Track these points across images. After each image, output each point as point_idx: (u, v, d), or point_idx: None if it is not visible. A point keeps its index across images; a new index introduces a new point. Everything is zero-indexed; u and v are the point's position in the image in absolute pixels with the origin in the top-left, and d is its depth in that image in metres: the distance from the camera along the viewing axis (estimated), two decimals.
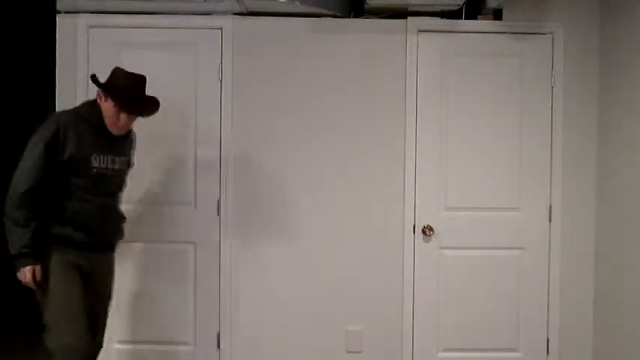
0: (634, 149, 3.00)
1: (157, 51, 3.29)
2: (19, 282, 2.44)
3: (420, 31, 3.33)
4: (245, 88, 3.32)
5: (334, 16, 3.31)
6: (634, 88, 3.01)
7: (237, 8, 3.24)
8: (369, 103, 3.34)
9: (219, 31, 3.29)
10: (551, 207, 3.37)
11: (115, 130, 2.55)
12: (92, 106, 2.57)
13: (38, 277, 2.41)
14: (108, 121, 2.53)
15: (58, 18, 3.27)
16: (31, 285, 2.43)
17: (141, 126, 2.81)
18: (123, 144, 2.67)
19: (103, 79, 3.25)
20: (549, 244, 3.37)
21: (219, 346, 3.31)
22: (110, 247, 2.71)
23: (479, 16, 3.34)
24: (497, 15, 3.35)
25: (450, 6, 3.20)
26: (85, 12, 3.26)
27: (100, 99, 2.53)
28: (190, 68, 3.29)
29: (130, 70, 3.24)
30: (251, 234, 3.32)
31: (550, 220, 3.37)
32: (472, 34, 3.35)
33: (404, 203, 3.34)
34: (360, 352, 3.36)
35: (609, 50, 3.27)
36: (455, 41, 3.35)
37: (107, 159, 2.55)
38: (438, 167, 3.35)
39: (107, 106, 2.52)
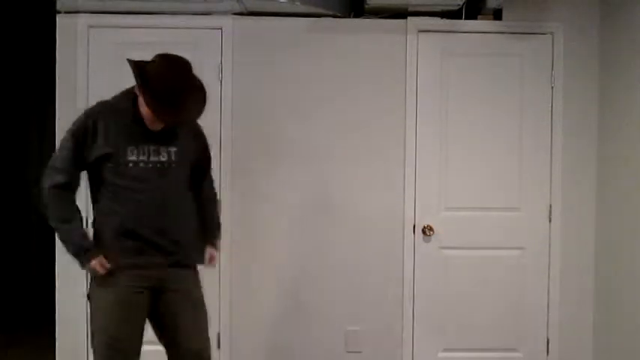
0: (634, 149, 3.00)
1: (157, 51, 3.27)
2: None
3: (420, 31, 3.33)
4: (245, 88, 3.32)
5: (334, 16, 3.31)
6: (634, 88, 3.01)
7: (237, 8, 3.24)
8: (369, 102, 3.34)
9: (219, 31, 3.29)
10: (551, 207, 3.37)
11: (153, 127, 2.23)
12: (128, 97, 2.25)
13: (107, 265, 2.19)
14: (145, 117, 2.21)
15: (58, 18, 3.27)
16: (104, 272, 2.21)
17: None
18: (172, 133, 2.28)
19: (103, 80, 3.27)
20: (549, 244, 3.37)
21: (219, 347, 3.31)
22: (180, 264, 2.31)
23: (479, 16, 3.34)
24: (497, 15, 3.35)
25: (450, 6, 3.20)
26: (85, 12, 3.26)
27: (139, 92, 2.18)
28: None
29: (129, 70, 3.27)
30: (251, 234, 3.32)
31: (550, 220, 3.37)
32: (472, 34, 3.35)
33: (404, 203, 3.34)
34: (359, 352, 3.36)
35: (609, 50, 3.27)
36: (455, 41, 3.35)
37: (148, 150, 2.22)
38: (438, 167, 3.35)
39: (142, 102, 2.19)
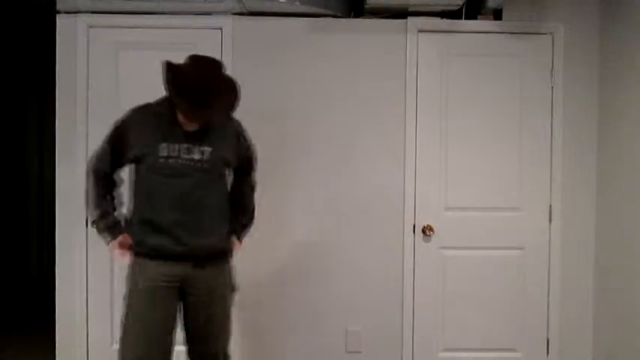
0: (634, 149, 3.00)
1: (156, 51, 3.27)
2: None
3: (420, 31, 3.33)
4: (245, 88, 3.29)
5: (334, 16, 3.31)
6: (634, 88, 3.01)
7: (237, 8, 3.24)
8: (369, 103, 3.34)
9: (219, 31, 3.29)
10: (551, 207, 3.37)
11: (186, 126, 2.33)
12: (166, 98, 2.33)
13: (125, 246, 2.38)
14: (179, 118, 2.31)
15: (58, 18, 3.27)
16: (124, 258, 2.39)
17: None
18: (208, 133, 2.36)
19: (103, 80, 3.28)
20: (549, 244, 3.37)
21: None
22: (206, 258, 2.37)
23: (479, 16, 3.34)
24: (497, 15, 3.35)
25: (450, 6, 3.20)
26: (85, 12, 3.26)
27: (167, 90, 2.29)
28: None
29: (130, 70, 3.29)
30: (251, 235, 3.31)
31: (550, 220, 3.37)
32: (472, 34, 3.35)
33: (404, 203, 3.34)
34: (359, 352, 3.36)
35: (609, 50, 3.27)
36: (455, 41, 3.35)
37: (179, 148, 2.31)
38: (438, 167, 3.35)
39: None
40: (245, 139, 2.57)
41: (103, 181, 2.43)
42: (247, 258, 3.31)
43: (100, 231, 2.43)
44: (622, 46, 3.14)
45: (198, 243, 2.34)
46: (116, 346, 3.27)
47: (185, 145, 2.32)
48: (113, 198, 2.46)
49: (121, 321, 2.37)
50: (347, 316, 3.36)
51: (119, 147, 2.37)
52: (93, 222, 2.45)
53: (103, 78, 3.28)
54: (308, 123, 3.34)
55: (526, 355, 3.39)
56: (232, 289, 2.55)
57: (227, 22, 3.29)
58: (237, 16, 3.30)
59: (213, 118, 2.32)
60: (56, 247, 3.31)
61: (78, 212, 3.27)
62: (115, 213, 2.45)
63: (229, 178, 2.56)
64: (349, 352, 3.36)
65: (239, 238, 2.61)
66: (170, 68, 2.25)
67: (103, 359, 3.31)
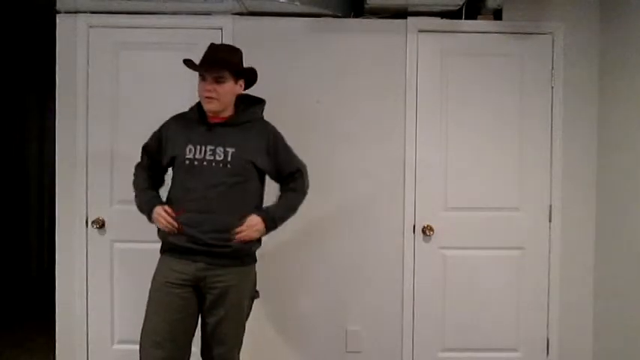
0: (634, 149, 3.00)
1: (157, 51, 3.29)
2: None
3: (420, 31, 3.33)
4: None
5: (334, 16, 3.31)
6: (634, 88, 3.02)
7: (237, 8, 3.24)
8: (369, 102, 3.34)
9: (219, 31, 3.29)
10: (551, 207, 3.37)
11: (206, 106, 2.44)
12: (198, 103, 2.53)
13: (171, 212, 2.40)
14: (201, 101, 2.48)
15: (58, 18, 3.27)
16: (171, 224, 2.39)
17: None
18: (234, 134, 2.43)
19: (103, 80, 3.28)
20: (549, 244, 3.37)
21: None
22: (221, 256, 2.39)
23: (479, 16, 3.34)
24: (497, 15, 3.35)
25: (450, 6, 3.20)
26: (85, 12, 3.26)
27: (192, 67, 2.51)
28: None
29: (129, 70, 3.29)
30: None
31: (550, 220, 3.37)
32: (472, 34, 3.35)
33: (404, 203, 3.34)
34: (359, 352, 3.36)
35: (609, 50, 3.27)
36: (455, 41, 3.35)
37: (204, 149, 2.40)
38: (438, 167, 3.35)
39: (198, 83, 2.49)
40: (281, 146, 2.57)
41: (144, 172, 2.59)
42: None
43: (141, 207, 2.53)
44: (622, 46, 3.14)
45: (213, 241, 2.36)
46: (116, 346, 3.31)
47: (210, 147, 2.40)
48: (153, 182, 2.60)
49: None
50: (347, 316, 3.36)
51: (154, 152, 2.55)
52: (138, 205, 2.55)
53: (103, 78, 3.28)
54: (308, 123, 3.34)
55: (526, 355, 3.39)
56: (251, 295, 2.54)
57: (227, 22, 3.29)
58: (237, 16, 3.30)
59: (217, 58, 2.49)
60: (56, 247, 3.31)
61: (78, 212, 3.28)
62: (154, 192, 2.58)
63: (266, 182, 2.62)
64: (349, 352, 3.36)
65: (266, 221, 2.47)
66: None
67: (103, 359, 3.31)
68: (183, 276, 2.38)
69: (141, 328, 2.42)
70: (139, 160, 2.64)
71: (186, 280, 2.38)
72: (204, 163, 2.39)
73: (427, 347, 3.37)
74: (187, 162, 2.41)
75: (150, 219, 2.47)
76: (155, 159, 2.57)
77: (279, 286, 3.33)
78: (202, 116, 2.48)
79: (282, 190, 2.62)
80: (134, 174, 2.63)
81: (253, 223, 2.43)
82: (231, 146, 2.41)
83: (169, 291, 2.38)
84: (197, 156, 2.40)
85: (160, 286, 2.40)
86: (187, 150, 2.41)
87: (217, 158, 2.39)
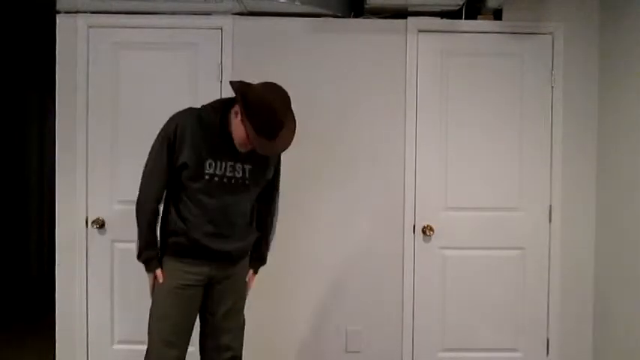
0: (634, 149, 3.00)
1: (156, 51, 3.29)
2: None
3: (420, 31, 3.33)
4: None
5: (334, 16, 3.31)
6: (634, 88, 3.01)
7: (237, 8, 3.24)
8: (369, 103, 3.34)
9: (219, 31, 3.29)
10: (551, 207, 3.37)
11: (242, 149, 2.32)
12: (217, 109, 2.35)
13: (160, 279, 2.37)
14: (237, 140, 2.29)
15: (58, 18, 3.27)
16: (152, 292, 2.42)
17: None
18: (251, 151, 2.31)
19: (103, 80, 3.27)
20: (549, 244, 3.37)
21: None
22: (233, 260, 2.45)
23: (479, 16, 3.34)
24: (497, 15, 3.35)
25: (450, 6, 3.20)
26: (85, 12, 3.26)
27: (236, 115, 2.26)
28: (190, 68, 3.28)
29: (129, 70, 3.29)
30: None
31: (550, 220, 3.37)
32: (472, 34, 3.35)
33: (404, 203, 3.34)
34: (359, 352, 3.36)
35: (609, 50, 3.27)
36: (455, 41, 3.35)
37: (225, 165, 2.32)
38: (438, 167, 3.35)
39: (240, 126, 2.24)
40: (280, 161, 2.57)
41: (154, 215, 2.37)
42: None
43: (146, 259, 2.38)
44: (622, 46, 3.14)
45: (228, 251, 2.39)
46: (116, 346, 3.31)
47: (230, 163, 2.33)
48: (155, 228, 2.40)
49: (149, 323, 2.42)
50: (347, 316, 3.36)
51: (170, 161, 2.31)
52: (139, 253, 2.38)
53: (103, 78, 3.28)
54: (308, 123, 3.33)
55: (526, 355, 3.39)
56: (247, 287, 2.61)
57: (227, 22, 3.29)
58: (237, 16, 3.30)
59: (279, 151, 2.35)
60: (56, 247, 3.31)
61: (78, 212, 3.28)
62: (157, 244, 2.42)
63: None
64: (349, 352, 3.36)
65: (255, 271, 2.61)
66: (242, 91, 2.24)
67: (103, 359, 3.31)
68: (199, 277, 2.38)
69: (148, 328, 2.39)
70: (150, 184, 2.35)
71: (200, 280, 2.39)
72: (226, 180, 2.33)
73: (427, 347, 3.37)
74: (207, 177, 2.30)
75: (145, 265, 2.38)
76: (168, 171, 2.34)
77: (279, 286, 3.33)
78: (225, 127, 2.32)
79: (263, 212, 2.57)
80: (145, 218, 2.36)
81: (253, 280, 2.62)
82: (248, 163, 2.37)
83: (183, 292, 2.36)
84: (217, 172, 2.31)
85: (172, 288, 2.36)
86: (207, 164, 2.29)
87: (237, 175, 2.35)
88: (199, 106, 2.41)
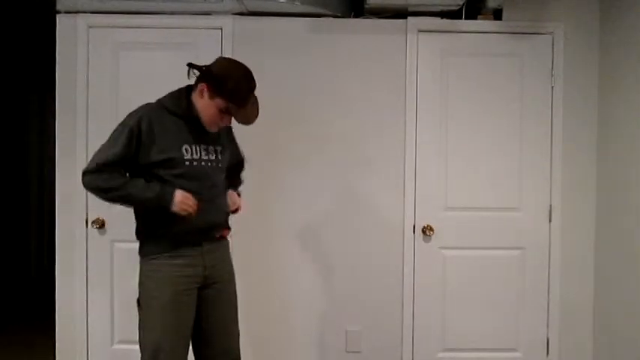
0: (634, 149, 3.00)
1: (157, 51, 3.29)
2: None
3: (420, 31, 3.33)
4: None
5: (334, 16, 3.31)
6: (634, 88, 3.01)
7: (237, 8, 3.24)
8: (369, 102, 3.34)
9: (219, 31, 3.29)
10: (551, 207, 3.37)
11: (212, 128, 2.33)
12: (178, 96, 2.33)
13: (189, 197, 2.23)
14: (206, 119, 2.28)
15: (58, 18, 3.27)
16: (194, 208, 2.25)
17: None
18: (217, 132, 2.38)
19: (103, 80, 3.28)
20: (549, 244, 3.37)
21: None
22: (218, 228, 2.42)
23: (479, 16, 3.34)
24: (497, 15, 3.35)
25: (450, 6, 3.20)
26: (85, 12, 3.26)
27: (201, 94, 2.26)
28: None
29: (129, 70, 3.29)
30: (251, 236, 3.32)
31: (550, 220, 3.37)
32: (472, 34, 3.35)
33: (404, 203, 3.34)
34: (359, 352, 3.36)
35: (609, 50, 3.27)
36: (455, 41, 3.35)
37: (199, 149, 2.31)
38: (438, 167, 3.35)
39: (208, 104, 2.25)
40: (235, 139, 2.63)
41: (117, 172, 2.24)
42: (246, 259, 3.32)
43: (145, 197, 2.23)
44: (622, 46, 3.14)
45: (216, 223, 2.39)
46: (116, 346, 3.31)
47: (204, 146, 2.34)
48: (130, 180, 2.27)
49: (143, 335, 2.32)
50: (347, 316, 3.36)
51: (131, 151, 2.23)
52: (157, 199, 2.23)
53: (103, 78, 3.28)
54: (307, 123, 3.34)
55: (526, 355, 3.39)
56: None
57: (227, 22, 3.29)
58: (237, 16, 3.30)
59: (252, 118, 2.31)
60: (56, 247, 3.31)
61: (78, 212, 3.28)
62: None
63: None
64: (349, 352, 3.36)
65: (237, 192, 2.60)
66: (205, 71, 2.26)
67: (103, 359, 3.31)
68: (195, 279, 2.33)
69: (141, 345, 2.31)
70: (103, 159, 2.23)
71: (196, 282, 2.34)
72: (203, 164, 2.33)
73: (427, 347, 3.37)
74: (187, 164, 2.27)
75: (168, 206, 2.21)
76: (128, 160, 2.25)
77: (279, 286, 3.33)
78: (191, 113, 2.30)
79: (231, 180, 2.57)
80: (94, 179, 2.23)
81: (235, 197, 2.53)
82: (218, 145, 2.41)
83: (182, 300, 2.29)
84: (194, 156, 2.30)
85: (171, 296, 2.27)
86: (184, 150, 2.28)
87: (211, 157, 2.36)
88: (155, 101, 2.36)
